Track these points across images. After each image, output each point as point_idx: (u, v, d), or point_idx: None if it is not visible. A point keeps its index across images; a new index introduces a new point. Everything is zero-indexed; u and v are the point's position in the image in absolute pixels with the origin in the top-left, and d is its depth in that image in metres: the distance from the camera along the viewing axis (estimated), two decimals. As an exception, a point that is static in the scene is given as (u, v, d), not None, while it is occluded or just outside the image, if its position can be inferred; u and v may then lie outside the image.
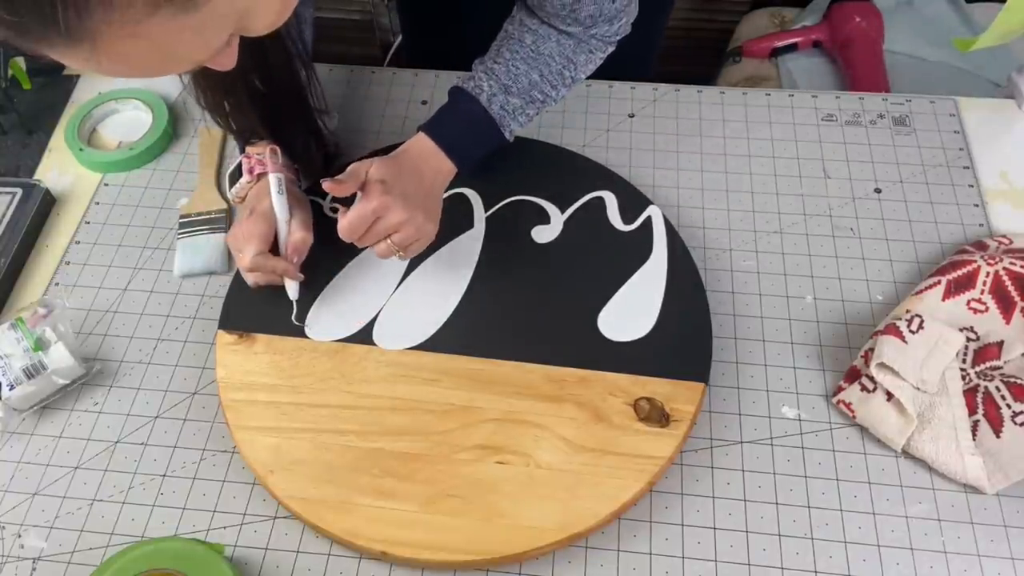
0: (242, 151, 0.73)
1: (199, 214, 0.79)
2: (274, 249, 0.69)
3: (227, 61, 0.47)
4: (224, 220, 0.79)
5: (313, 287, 0.72)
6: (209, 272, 0.76)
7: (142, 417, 0.68)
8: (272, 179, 0.67)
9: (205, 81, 0.66)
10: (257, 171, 0.70)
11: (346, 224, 0.63)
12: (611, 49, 0.72)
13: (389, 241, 0.65)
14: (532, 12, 0.70)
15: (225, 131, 0.73)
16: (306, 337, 0.70)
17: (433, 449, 0.63)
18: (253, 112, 0.69)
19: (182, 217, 0.79)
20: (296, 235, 0.68)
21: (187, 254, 0.76)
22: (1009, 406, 0.63)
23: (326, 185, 0.63)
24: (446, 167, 0.69)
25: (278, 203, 0.67)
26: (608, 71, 0.76)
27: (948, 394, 0.64)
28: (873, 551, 0.61)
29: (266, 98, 0.68)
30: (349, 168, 0.64)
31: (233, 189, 0.72)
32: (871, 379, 0.65)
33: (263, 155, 0.68)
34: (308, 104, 0.73)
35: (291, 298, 0.70)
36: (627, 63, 0.78)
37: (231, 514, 0.63)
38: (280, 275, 0.69)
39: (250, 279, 0.70)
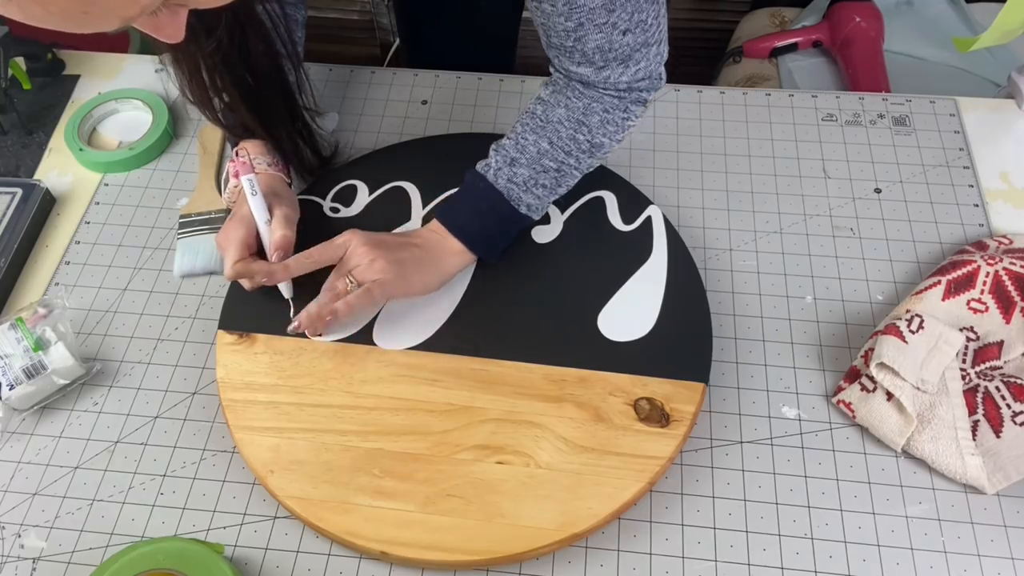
0: (233, 146, 0.73)
1: (199, 214, 0.79)
2: (262, 251, 0.69)
3: (172, 33, 0.44)
4: (223, 220, 0.79)
5: (313, 288, 0.72)
6: (209, 272, 0.76)
7: (142, 417, 0.68)
8: (244, 182, 0.67)
9: (191, 75, 0.66)
10: (240, 173, 0.69)
11: (300, 261, 0.66)
12: (637, 109, 0.69)
13: (346, 277, 0.66)
14: (548, 81, 0.70)
15: (216, 126, 0.73)
16: (306, 337, 0.69)
17: (433, 449, 0.63)
18: (241, 109, 0.69)
19: (182, 217, 0.79)
20: (276, 234, 0.67)
21: (187, 254, 0.76)
22: (1009, 406, 0.63)
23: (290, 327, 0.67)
24: (461, 250, 0.70)
25: (254, 205, 0.67)
26: None
27: (948, 394, 0.64)
28: (873, 551, 0.61)
29: (254, 97, 0.68)
30: (331, 242, 0.67)
31: (224, 195, 0.73)
32: (871, 379, 0.65)
33: (245, 156, 0.69)
34: (298, 104, 0.73)
35: (285, 296, 0.70)
36: None
37: (231, 514, 0.63)
38: (264, 279, 0.68)
39: (243, 284, 0.70)
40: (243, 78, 0.66)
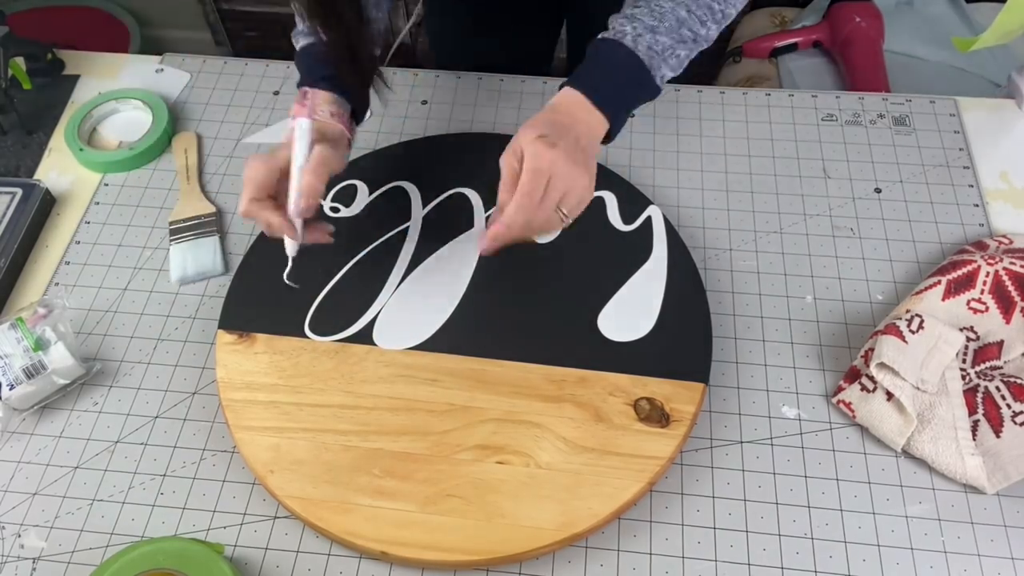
0: (300, 87, 0.68)
1: (186, 220, 0.79)
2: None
3: None
4: (214, 223, 0.79)
5: (313, 288, 0.72)
6: (205, 277, 0.76)
7: (142, 417, 0.68)
8: (297, 124, 0.63)
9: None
10: (296, 115, 0.65)
11: (522, 195, 0.57)
12: None
13: (560, 211, 0.59)
14: None
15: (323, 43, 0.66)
16: (306, 337, 0.69)
17: (433, 449, 0.63)
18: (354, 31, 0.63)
19: (171, 224, 0.79)
20: (305, 178, 0.62)
21: (181, 260, 0.76)
22: (1009, 406, 0.63)
23: (488, 240, 0.59)
24: (596, 122, 0.62)
25: (296, 148, 0.63)
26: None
27: (948, 394, 0.64)
28: (873, 551, 0.61)
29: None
30: (503, 168, 0.60)
31: (283, 137, 0.67)
32: (871, 379, 0.65)
33: (315, 95, 0.65)
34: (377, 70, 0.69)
35: (288, 253, 0.66)
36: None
37: (231, 514, 0.63)
38: (274, 230, 0.63)
39: (270, 232, 0.64)
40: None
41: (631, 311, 0.70)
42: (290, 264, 0.67)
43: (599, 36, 0.65)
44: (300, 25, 0.69)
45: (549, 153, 0.58)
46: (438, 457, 0.63)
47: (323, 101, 0.67)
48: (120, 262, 0.78)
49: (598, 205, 0.77)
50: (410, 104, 0.90)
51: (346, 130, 0.68)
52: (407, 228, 0.76)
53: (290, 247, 0.66)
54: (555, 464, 0.62)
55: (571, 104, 0.62)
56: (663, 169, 0.83)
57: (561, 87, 0.64)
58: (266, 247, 0.76)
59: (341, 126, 0.67)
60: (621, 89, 0.64)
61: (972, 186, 0.81)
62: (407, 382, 0.67)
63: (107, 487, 0.65)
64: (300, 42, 0.70)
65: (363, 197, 0.79)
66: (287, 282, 0.68)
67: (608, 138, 0.64)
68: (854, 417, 0.66)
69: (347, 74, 0.67)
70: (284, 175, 0.63)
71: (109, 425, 0.68)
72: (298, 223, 0.64)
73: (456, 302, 0.71)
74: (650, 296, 0.71)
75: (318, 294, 0.72)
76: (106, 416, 0.68)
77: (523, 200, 0.58)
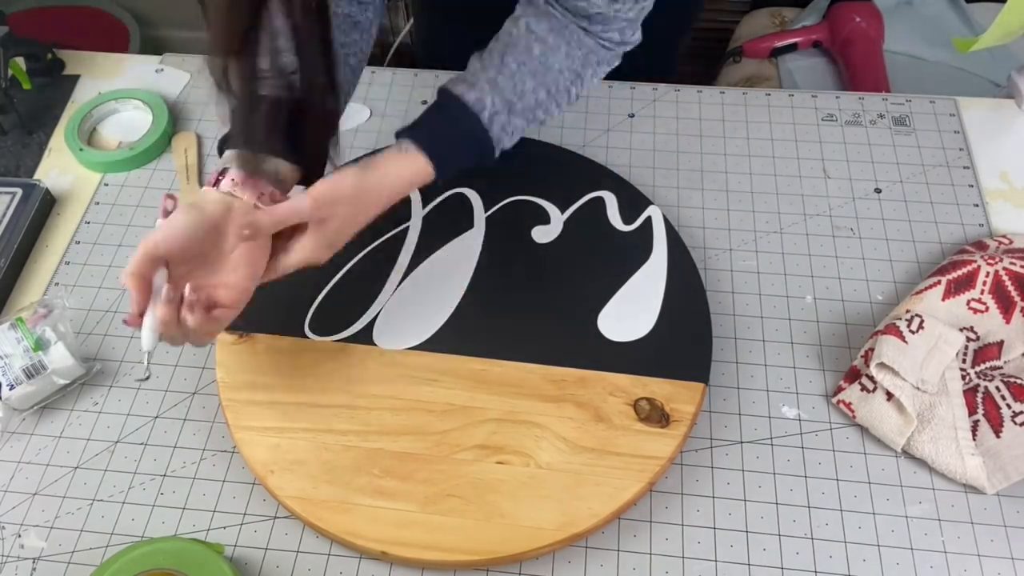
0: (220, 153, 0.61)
1: None
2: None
3: None
4: None
5: (313, 288, 0.72)
6: None
7: (142, 417, 0.68)
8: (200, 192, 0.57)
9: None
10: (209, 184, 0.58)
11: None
12: (615, 63, 0.66)
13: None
14: (540, 13, 0.63)
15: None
16: (306, 337, 0.69)
17: (433, 449, 0.63)
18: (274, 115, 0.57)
19: None
20: (158, 310, 0.54)
21: None
22: (1009, 406, 0.63)
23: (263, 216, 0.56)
24: (421, 175, 0.61)
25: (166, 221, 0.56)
26: (634, 71, 0.72)
27: (948, 394, 0.64)
28: (873, 551, 0.61)
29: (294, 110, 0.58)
30: (289, 205, 0.56)
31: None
32: (871, 379, 0.65)
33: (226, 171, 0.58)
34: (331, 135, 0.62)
35: (144, 348, 0.55)
36: (652, 62, 0.74)
37: (231, 514, 0.63)
38: (130, 321, 0.56)
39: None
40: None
41: (631, 311, 0.70)
42: (146, 360, 0.56)
43: (452, 88, 0.62)
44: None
45: (323, 242, 0.58)
46: (438, 457, 0.63)
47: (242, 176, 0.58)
48: (120, 262, 0.78)
49: (598, 205, 0.77)
50: (410, 104, 0.90)
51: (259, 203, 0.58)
52: (407, 228, 0.76)
53: (147, 341, 0.55)
54: (555, 464, 0.62)
55: (400, 157, 0.60)
56: (663, 169, 0.83)
57: (400, 134, 0.61)
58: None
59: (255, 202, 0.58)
60: (461, 155, 0.62)
61: (972, 186, 0.81)
62: (407, 382, 0.67)
63: (107, 487, 0.65)
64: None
65: (363, 197, 0.78)
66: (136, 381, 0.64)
67: (432, 185, 0.62)
68: (854, 417, 0.66)
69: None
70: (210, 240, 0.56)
71: (109, 425, 0.68)
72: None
73: (456, 302, 0.71)
74: (650, 296, 0.71)
75: (318, 294, 0.72)
76: (106, 416, 0.68)
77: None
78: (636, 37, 0.65)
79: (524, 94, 0.62)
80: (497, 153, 0.64)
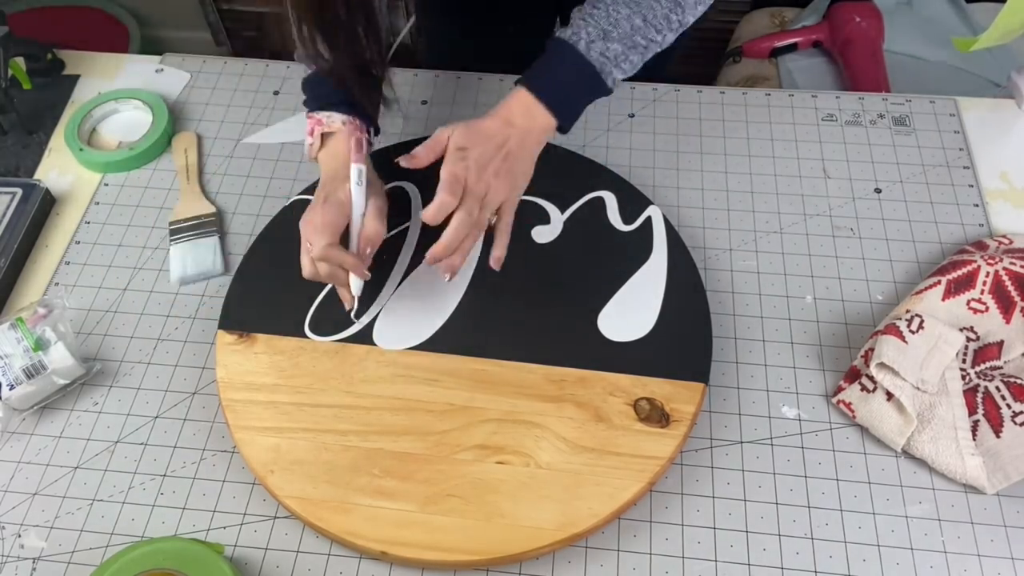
0: (309, 109, 0.71)
1: (187, 220, 0.79)
2: (343, 241, 0.66)
3: None
4: (214, 224, 0.79)
5: (314, 288, 0.72)
6: (205, 277, 0.76)
7: (142, 417, 0.68)
8: (353, 170, 0.65)
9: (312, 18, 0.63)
10: (318, 131, 0.69)
11: (434, 209, 0.61)
12: None
13: (486, 213, 0.63)
14: None
15: (321, 70, 0.68)
16: (306, 337, 0.70)
17: (433, 449, 0.63)
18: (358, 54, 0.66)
19: (171, 224, 0.79)
20: (370, 227, 0.66)
21: (181, 260, 0.76)
22: (1009, 406, 0.63)
23: (402, 161, 0.63)
24: (545, 122, 0.66)
25: (356, 193, 0.66)
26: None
27: (948, 394, 0.64)
28: (873, 551, 0.61)
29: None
30: (431, 138, 0.63)
31: (305, 151, 0.71)
32: (871, 379, 0.65)
33: (329, 117, 0.68)
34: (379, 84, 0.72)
35: (353, 293, 0.67)
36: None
37: (231, 514, 0.63)
38: (348, 269, 0.66)
39: (308, 269, 0.66)
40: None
41: (631, 311, 0.70)
42: (356, 303, 0.69)
43: (556, 34, 0.67)
44: (302, 50, 0.68)
45: (459, 168, 0.62)
46: (438, 457, 0.63)
47: (357, 143, 0.68)
48: (120, 262, 0.78)
49: (598, 205, 0.77)
50: (410, 104, 0.90)
51: (365, 137, 0.71)
52: (407, 228, 0.76)
53: (356, 286, 0.67)
54: (555, 464, 0.62)
55: (517, 107, 0.66)
56: (663, 169, 0.83)
57: (516, 83, 0.66)
58: (266, 248, 0.76)
59: (360, 134, 0.70)
60: (571, 91, 0.66)
61: (972, 186, 0.81)
62: (407, 382, 0.67)
63: (107, 487, 0.65)
64: (304, 68, 0.71)
65: (363, 197, 0.78)
66: (354, 319, 0.70)
67: (562, 130, 0.67)
68: (854, 417, 0.66)
69: (359, 92, 0.70)
70: (346, 220, 0.67)
71: (109, 425, 0.68)
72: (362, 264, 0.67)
73: (456, 302, 0.71)
74: (650, 296, 0.71)
75: (318, 294, 0.72)
76: (106, 416, 0.68)
77: (443, 201, 0.61)
78: None
79: (618, 22, 0.65)
80: (610, 82, 0.66)
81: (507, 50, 1.04)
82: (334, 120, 0.69)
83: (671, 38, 0.68)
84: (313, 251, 0.65)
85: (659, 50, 0.68)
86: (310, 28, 0.63)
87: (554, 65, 0.66)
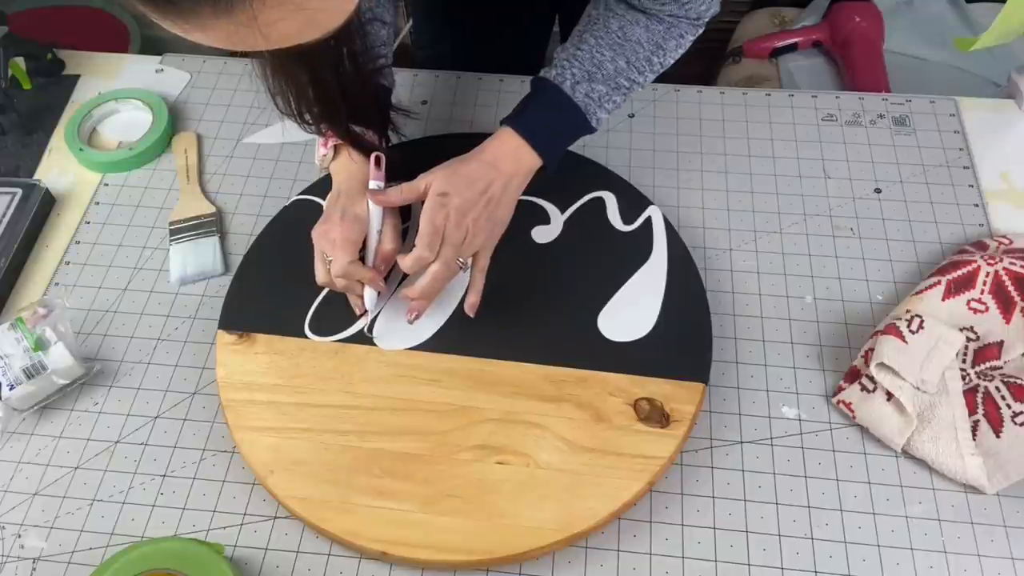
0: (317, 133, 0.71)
1: (187, 220, 0.79)
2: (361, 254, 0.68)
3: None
4: (214, 223, 0.79)
5: (313, 288, 0.72)
6: (205, 277, 0.76)
7: (142, 417, 0.68)
8: (372, 187, 0.67)
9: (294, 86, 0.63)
10: (331, 142, 0.70)
11: (410, 263, 0.63)
12: (700, 31, 0.70)
13: (458, 260, 0.64)
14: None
15: (303, 125, 0.67)
16: (306, 337, 0.70)
17: (433, 449, 0.63)
18: (340, 115, 0.67)
19: (171, 224, 0.79)
20: (388, 246, 0.68)
21: (181, 260, 0.76)
22: (1009, 406, 0.63)
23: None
24: (530, 163, 0.67)
25: (374, 211, 0.67)
26: None
27: (948, 394, 0.64)
28: (873, 551, 0.61)
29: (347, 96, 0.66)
30: (410, 185, 0.65)
31: (316, 161, 0.73)
32: (871, 379, 0.65)
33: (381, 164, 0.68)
34: (386, 105, 0.73)
35: (367, 308, 0.69)
36: None
37: (231, 514, 0.63)
38: (366, 283, 0.68)
39: (324, 278, 0.68)
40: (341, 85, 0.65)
41: (631, 311, 0.70)
42: (372, 317, 0.70)
43: (541, 73, 0.68)
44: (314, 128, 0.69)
45: (439, 216, 0.62)
46: (438, 457, 0.63)
47: (376, 160, 0.68)
48: (120, 262, 0.78)
49: (598, 205, 0.77)
50: (410, 104, 0.89)
51: (378, 143, 0.72)
52: (407, 228, 0.76)
53: (370, 300, 0.69)
54: (555, 464, 0.62)
55: (503, 148, 0.66)
56: (663, 169, 0.83)
57: (502, 123, 0.67)
58: (266, 248, 0.76)
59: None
60: (557, 131, 0.68)
61: (972, 186, 0.81)
62: (407, 382, 0.67)
63: (107, 487, 0.65)
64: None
65: (363, 197, 0.78)
66: (367, 333, 0.70)
67: (546, 171, 0.68)
68: (854, 417, 0.66)
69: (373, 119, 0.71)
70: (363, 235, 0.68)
71: (109, 425, 0.68)
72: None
73: (456, 302, 0.71)
74: (650, 296, 0.71)
75: (318, 294, 0.72)
76: (106, 416, 0.68)
77: (421, 256, 0.63)
78: (714, 10, 0.69)
79: (603, 63, 0.67)
80: (594, 122, 0.68)
81: (505, 51, 1.04)
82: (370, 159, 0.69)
83: (651, 79, 0.69)
84: (334, 268, 0.66)
85: (639, 91, 0.70)
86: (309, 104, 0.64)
87: (540, 106, 0.67)
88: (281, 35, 0.41)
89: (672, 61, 0.70)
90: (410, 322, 0.66)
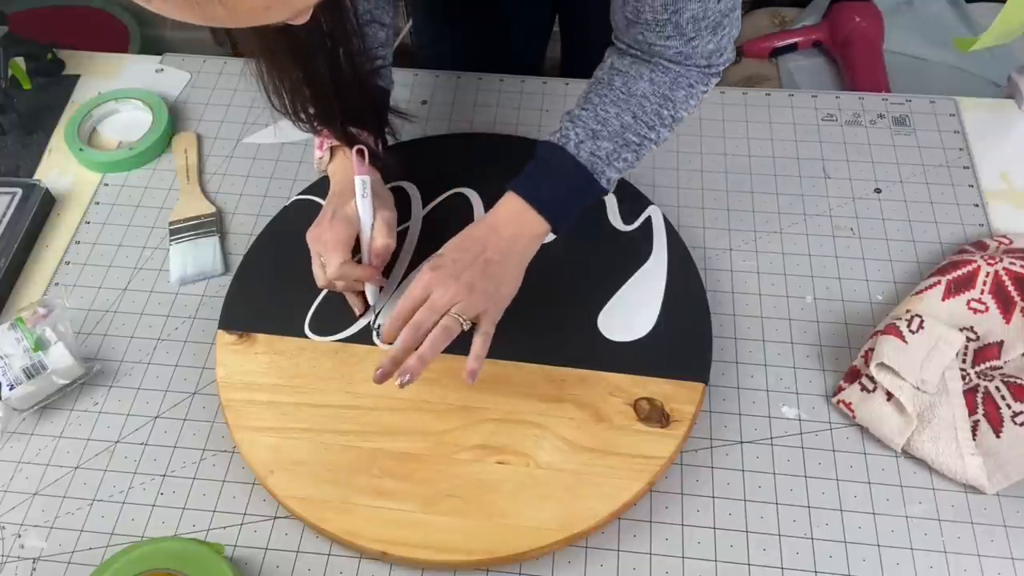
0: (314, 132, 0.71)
1: (187, 220, 0.79)
2: (353, 251, 0.68)
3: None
4: (214, 223, 0.79)
5: (313, 288, 0.72)
6: (205, 277, 0.76)
7: (142, 417, 0.68)
8: (357, 182, 0.65)
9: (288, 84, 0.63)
10: (327, 144, 0.70)
11: (392, 320, 0.61)
12: (715, 81, 0.67)
13: (451, 314, 0.60)
14: (623, 53, 0.66)
15: (299, 124, 0.67)
16: (306, 337, 0.69)
17: (433, 449, 0.63)
18: (335, 113, 0.66)
19: (171, 224, 0.79)
20: (379, 241, 0.67)
21: (181, 260, 0.76)
22: (1009, 406, 0.63)
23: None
24: (536, 227, 0.64)
25: (362, 207, 0.66)
26: None
27: (948, 394, 0.64)
28: (873, 551, 0.61)
29: (340, 93, 0.65)
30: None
31: (315, 165, 0.73)
32: (871, 379, 0.65)
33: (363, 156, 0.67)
34: (383, 107, 0.73)
35: (370, 302, 0.70)
36: None
37: (231, 514, 0.63)
38: (364, 281, 0.68)
39: (323, 281, 0.67)
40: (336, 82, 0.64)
41: (631, 311, 0.70)
42: (375, 315, 0.71)
43: (545, 138, 0.66)
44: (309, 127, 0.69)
45: (427, 276, 0.61)
46: (438, 457, 0.63)
47: (359, 153, 0.67)
48: (120, 262, 0.78)
49: (598, 205, 0.77)
50: (410, 104, 0.90)
51: (380, 175, 0.72)
52: (407, 228, 0.76)
53: (372, 295, 0.70)
54: (555, 464, 0.62)
55: (505, 213, 0.64)
56: (663, 169, 0.83)
57: (507, 187, 0.65)
58: (266, 248, 0.76)
59: (377, 174, 0.71)
60: (562, 193, 0.65)
61: (972, 186, 0.81)
62: (407, 382, 0.67)
63: (107, 487, 0.65)
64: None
65: (363, 197, 0.78)
66: (374, 329, 0.70)
67: (556, 233, 0.66)
68: (854, 417, 0.66)
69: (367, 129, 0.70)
70: (356, 234, 0.68)
71: (109, 425, 0.68)
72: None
73: (456, 302, 0.71)
74: (650, 296, 0.71)
75: (318, 294, 0.72)
76: (106, 416, 0.68)
77: (399, 310, 0.61)
78: (727, 57, 0.67)
79: (607, 120, 0.64)
80: (603, 182, 0.65)
81: (506, 51, 1.04)
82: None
83: (666, 134, 0.67)
84: (329, 271, 0.66)
85: (655, 147, 0.67)
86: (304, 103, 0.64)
87: (544, 168, 0.65)
88: (248, 10, 0.39)
89: (686, 114, 0.67)
90: (401, 385, 0.59)
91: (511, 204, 0.65)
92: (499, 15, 1.01)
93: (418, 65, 0.95)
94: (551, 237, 0.66)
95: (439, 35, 1.07)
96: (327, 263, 0.66)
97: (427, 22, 1.08)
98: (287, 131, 0.87)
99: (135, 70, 0.94)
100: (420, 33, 1.09)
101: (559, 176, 0.65)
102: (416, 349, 0.60)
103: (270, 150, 0.86)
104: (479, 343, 0.62)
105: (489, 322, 0.63)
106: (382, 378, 0.60)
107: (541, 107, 0.89)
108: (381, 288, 0.71)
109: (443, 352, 0.68)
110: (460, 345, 0.68)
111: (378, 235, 0.67)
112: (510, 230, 0.64)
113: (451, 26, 1.05)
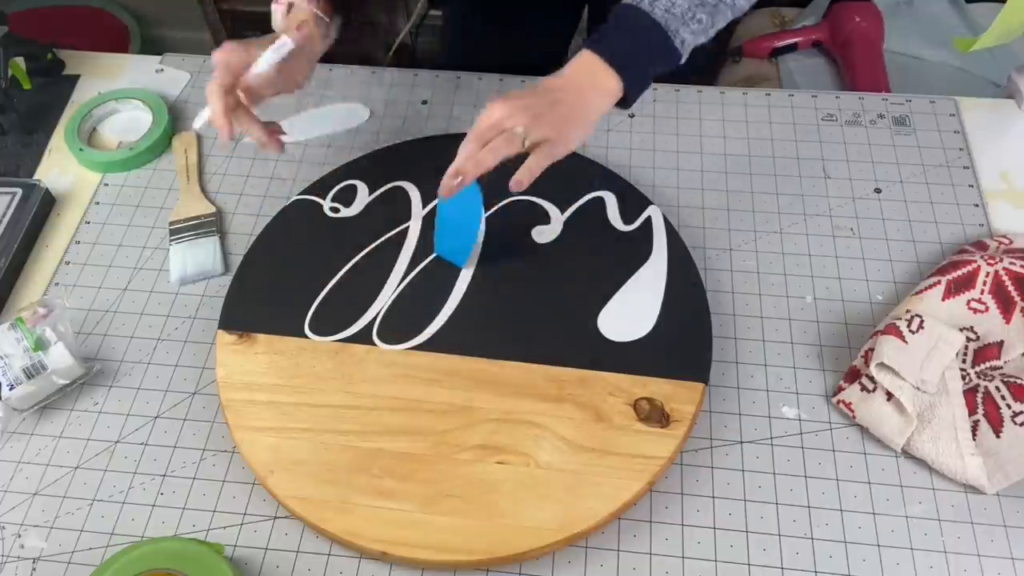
0: None
1: (187, 220, 0.79)
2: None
3: None
4: (214, 223, 0.79)
5: (314, 288, 0.72)
6: (205, 277, 0.76)
7: (142, 417, 0.68)
8: (279, 40, 0.66)
9: None
10: (284, 1, 0.69)
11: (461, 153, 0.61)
12: None
13: (519, 129, 0.60)
14: None
15: None
16: (306, 337, 0.70)
17: (433, 449, 0.63)
18: None
19: (171, 224, 0.79)
20: (254, 70, 0.65)
21: (180, 260, 0.76)
22: (1009, 406, 0.63)
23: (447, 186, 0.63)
24: (608, 83, 0.63)
25: (266, 57, 0.66)
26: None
27: (948, 394, 0.64)
28: (873, 551, 0.61)
29: None
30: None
31: (274, 25, 0.71)
32: (871, 379, 0.65)
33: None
34: None
35: (205, 118, 0.67)
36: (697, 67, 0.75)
37: (231, 514, 0.63)
38: (210, 101, 0.65)
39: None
40: None
41: (631, 311, 0.70)
42: (203, 116, 0.67)
43: (620, 2, 0.65)
44: None
45: (495, 104, 0.61)
46: (438, 457, 0.63)
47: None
48: (120, 262, 0.78)
49: (598, 205, 0.77)
50: (410, 104, 0.90)
51: (323, 15, 0.70)
52: (407, 228, 0.76)
53: (202, 115, 0.67)
54: (555, 464, 0.62)
55: (578, 68, 0.64)
56: (663, 169, 0.83)
57: (582, 44, 0.64)
58: (266, 248, 0.76)
59: (318, 12, 0.69)
60: (635, 50, 0.64)
61: (972, 186, 0.81)
62: (407, 382, 0.67)
63: (107, 487, 0.65)
64: None
65: (363, 197, 0.79)
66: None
67: (625, 101, 0.65)
68: (854, 417, 0.66)
69: None
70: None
71: (109, 425, 0.68)
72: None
73: (456, 302, 0.71)
74: (650, 296, 0.71)
75: (318, 294, 0.72)
76: (106, 416, 0.68)
77: (468, 145, 0.62)
78: None
79: None
80: (677, 42, 0.64)
81: (530, 49, 1.03)
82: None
83: (742, 1, 0.65)
84: (207, 88, 0.65)
85: (730, 13, 0.65)
86: None
87: (617, 25, 0.64)
88: None
89: None
90: (449, 193, 0.63)
91: (585, 58, 0.64)
92: (527, 13, 1.00)
93: (418, 65, 0.95)
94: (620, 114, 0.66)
95: (465, 30, 1.07)
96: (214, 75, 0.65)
97: (454, 16, 1.07)
98: (288, 131, 0.87)
99: (135, 70, 0.94)
100: (446, 26, 1.09)
101: (632, 33, 0.63)
102: None
103: (270, 150, 0.86)
104: (536, 158, 0.62)
105: (551, 147, 0.62)
106: (445, 190, 0.62)
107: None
108: (233, 139, 0.67)
109: (444, 353, 0.68)
110: (463, 347, 0.69)
111: (260, 62, 0.65)
112: (582, 80, 0.63)
113: (478, 21, 1.04)
